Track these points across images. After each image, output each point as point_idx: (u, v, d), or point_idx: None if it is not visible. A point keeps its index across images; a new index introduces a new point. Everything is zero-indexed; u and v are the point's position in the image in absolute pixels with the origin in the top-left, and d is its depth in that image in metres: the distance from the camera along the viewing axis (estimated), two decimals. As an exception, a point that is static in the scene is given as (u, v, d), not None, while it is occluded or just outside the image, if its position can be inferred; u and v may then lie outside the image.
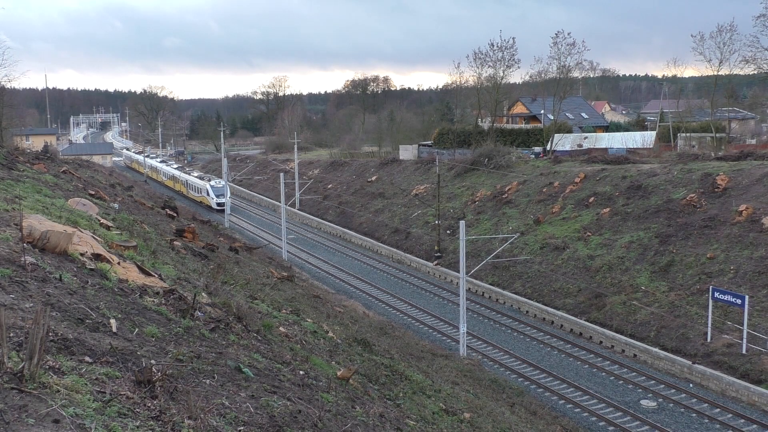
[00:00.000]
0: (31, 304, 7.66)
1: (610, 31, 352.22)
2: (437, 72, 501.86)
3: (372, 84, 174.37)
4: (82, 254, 11.29)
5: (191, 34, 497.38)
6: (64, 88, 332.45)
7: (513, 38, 77.41)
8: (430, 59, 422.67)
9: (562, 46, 69.07)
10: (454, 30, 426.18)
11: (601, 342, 36.46)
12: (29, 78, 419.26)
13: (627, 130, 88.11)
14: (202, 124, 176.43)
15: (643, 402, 29.44)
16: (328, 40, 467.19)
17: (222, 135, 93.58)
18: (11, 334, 6.47)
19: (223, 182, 77.53)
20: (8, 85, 69.54)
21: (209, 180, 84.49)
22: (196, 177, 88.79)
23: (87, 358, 6.66)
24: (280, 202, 66.56)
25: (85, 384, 5.91)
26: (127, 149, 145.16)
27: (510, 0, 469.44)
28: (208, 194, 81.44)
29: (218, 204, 77.98)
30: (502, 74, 73.28)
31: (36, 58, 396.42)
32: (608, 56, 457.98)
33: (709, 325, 32.21)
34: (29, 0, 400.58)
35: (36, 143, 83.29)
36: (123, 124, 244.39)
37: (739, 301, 30.70)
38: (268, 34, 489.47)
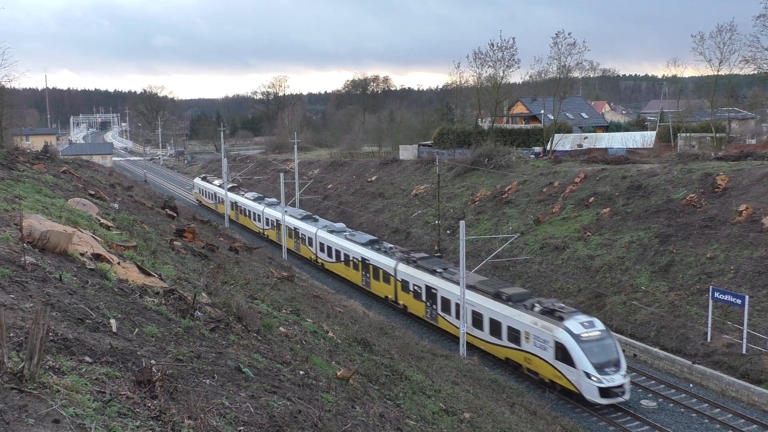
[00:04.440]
0: (31, 304, 7.66)
1: (603, 31, 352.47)
2: (434, 72, 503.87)
3: (372, 84, 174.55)
4: (82, 254, 11.29)
5: (181, 32, 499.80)
6: (64, 88, 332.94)
7: (513, 38, 77.45)
8: (426, 59, 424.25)
9: (562, 46, 69.09)
10: (446, 30, 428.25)
11: (601, 342, 36.34)
12: (29, 78, 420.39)
13: (627, 130, 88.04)
14: (202, 124, 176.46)
15: (643, 402, 29.42)
16: (322, 40, 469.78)
17: (222, 135, 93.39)
18: (11, 334, 6.47)
19: (596, 324, 30.14)
20: (8, 85, 69.50)
21: (561, 316, 30.22)
22: (486, 291, 34.68)
23: (87, 358, 6.66)
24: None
25: (85, 384, 5.91)
26: (205, 178, 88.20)
27: (498, 0, 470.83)
28: (561, 357, 29.30)
29: (605, 392, 28.29)
30: (502, 74, 73.30)
31: (29, 58, 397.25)
32: (604, 56, 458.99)
33: (709, 325, 32.20)
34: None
35: (36, 143, 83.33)
36: (123, 124, 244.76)
37: (739, 301, 30.69)
38: (261, 33, 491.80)
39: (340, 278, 49.08)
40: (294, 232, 56.18)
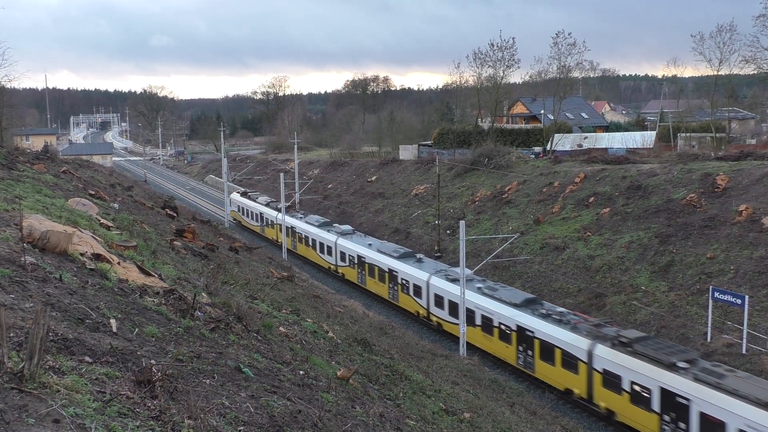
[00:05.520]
0: (31, 304, 7.66)
1: (601, 31, 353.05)
2: (433, 73, 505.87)
3: (372, 84, 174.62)
4: (82, 254, 11.29)
5: (180, 33, 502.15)
6: (64, 88, 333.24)
7: (513, 38, 77.47)
8: (424, 59, 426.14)
9: (562, 46, 69.15)
10: (444, 30, 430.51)
11: (601, 342, 36.15)
12: (29, 78, 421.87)
13: (627, 130, 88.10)
14: (202, 124, 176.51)
15: (644, 402, 29.05)
16: (320, 40, 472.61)
17: (222, 135, 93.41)
18: (11, 334, 6.47)
19: None
20: (8, 85, 69.45)
21: None
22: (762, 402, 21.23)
23: (87, 358, 6.67)
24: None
25: (85, 384, 5.92)
26: (245, 194, 72.55)
27: (495, 0, 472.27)
28: None
29: None
30: (502, 74, 73.35)
31: (27, 58, 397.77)
32: (603, 56, 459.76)
33: (709, 325, 32.20)
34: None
35: (36, 143, 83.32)
36: (123, 124, 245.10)
37: (739, 301, 30.67)
38: (259, 33, 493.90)
39: (472, 347, 34.15)
40: (389, 275, 42.62)
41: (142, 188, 58.52)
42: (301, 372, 10.30)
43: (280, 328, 13.61)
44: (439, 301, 37.60)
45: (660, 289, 37.12)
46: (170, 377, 6.83)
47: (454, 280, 36.25)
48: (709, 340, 32.11)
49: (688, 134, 70.22)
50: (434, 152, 73.29)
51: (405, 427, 11.07)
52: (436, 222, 55.76)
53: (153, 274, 12.41)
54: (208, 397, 6.94)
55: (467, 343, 33.61)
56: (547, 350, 30.06)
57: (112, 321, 8.24)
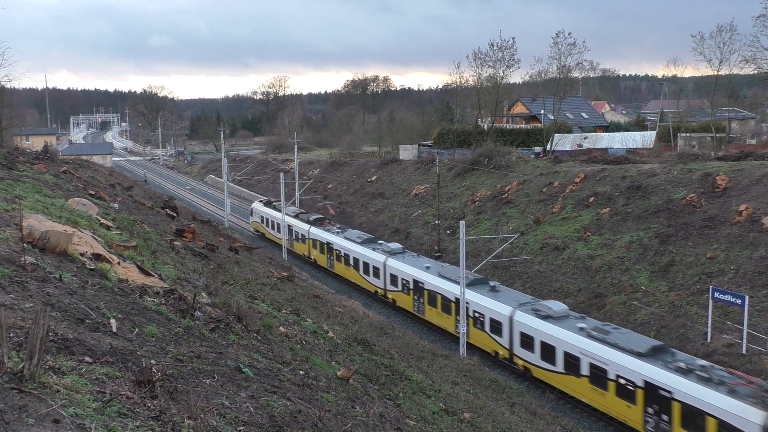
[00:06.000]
0: (31, 304, 7.66)
1: (601, 31, 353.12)
2: (433, 73, 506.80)
3: (372, 84, 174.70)
4: (82, 254, 11.29)
5: (179, 33, 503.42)
6: (64, 88, 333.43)
7: (513, 38, 77.44)
8: (425, 59, 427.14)
9: (562, 46, 69.16)
10: (443, 30, 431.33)
11: (601, 342, 36.05)
12: (29, 78, 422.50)
13: (627, 130, 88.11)
14: (202, 124, 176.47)
15: (644, 402, 28.89)
16: (320, 41, 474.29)
17: (222, 135, 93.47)
18: (11, 334, 6.47)
19: None
20: (8, 85, 69.41)
21: None
22: None
23: (87, 358, 6.67)
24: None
25: (85, 384, 5.92)
26: (270, 203, 65.66)
27: (495, 0, 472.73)
28: None
29: None
30: (502, 74, 73.35)
31: (26, 58, 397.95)
32: (603, 56, 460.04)
33: (709, 325, 32.20)
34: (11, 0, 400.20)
35: (36, 143, 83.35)
36: (123, 124, 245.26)
37: (739, 301, 30.67)
38: (259, 33, 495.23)
39: (571, 399, 29.53)
40: (456, 306, 36.53)
41: (142, 188, 58.51)
42: (301, 372, 10.30)
43: (280, 328, 13.61)
44: (527, 341, 31.81)
45: (660, 289, 37.12)
46: (170, 377, 6.83)
47: (547, 317, 31.25)
48: (709, 340, 32.12)
49: (688, 134, 70.22)
50: (434, 152, 73.28)
51: (405, 427, 11.07)
52: (436, 222, 55.76)
53: (153, 274, 12.41)
54: (208, 397, 6.94)
55: (562, 393, 29.81)
56: (694, 417, 23.52)
57: (112, 321, 8.24)
